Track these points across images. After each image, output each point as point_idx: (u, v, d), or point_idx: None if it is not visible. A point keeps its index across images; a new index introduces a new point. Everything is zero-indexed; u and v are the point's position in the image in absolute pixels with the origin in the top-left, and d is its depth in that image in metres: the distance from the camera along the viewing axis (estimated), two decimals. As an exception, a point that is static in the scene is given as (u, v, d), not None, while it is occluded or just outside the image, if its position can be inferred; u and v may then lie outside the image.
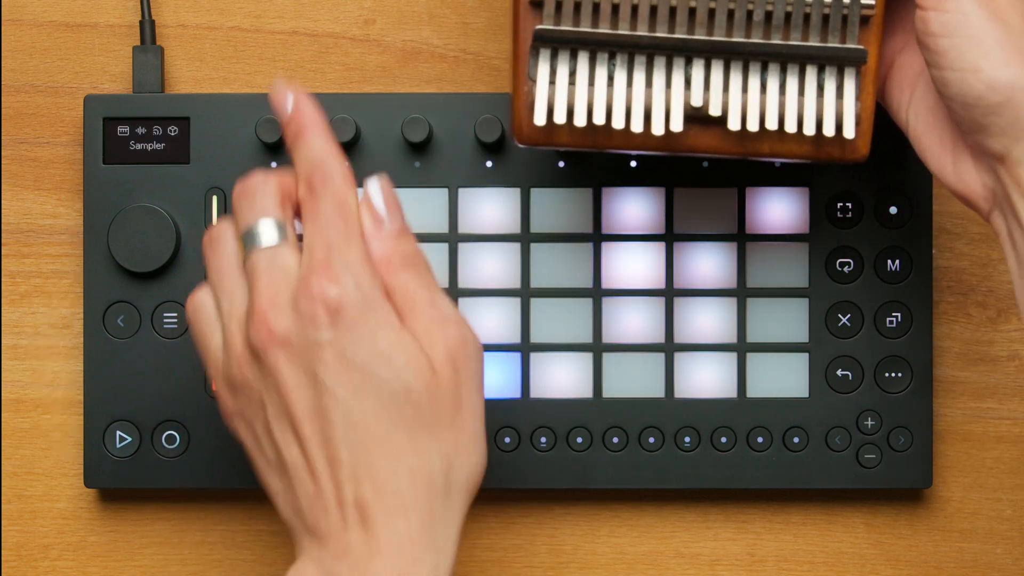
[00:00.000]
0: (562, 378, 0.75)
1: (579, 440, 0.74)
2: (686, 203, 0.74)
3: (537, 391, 0.75)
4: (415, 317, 0.61)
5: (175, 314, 0.74)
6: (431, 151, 0.74)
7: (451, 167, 0.74)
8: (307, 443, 0.59)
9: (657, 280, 0.75)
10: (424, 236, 0.74)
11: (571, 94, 0.65)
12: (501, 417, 0.74)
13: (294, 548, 0.62)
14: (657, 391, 0.75)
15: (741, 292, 0.74)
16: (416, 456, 0.60)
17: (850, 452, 0.74)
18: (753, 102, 0.64)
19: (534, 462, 0.74)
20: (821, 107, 0.65)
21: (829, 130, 0.65)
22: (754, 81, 0.65)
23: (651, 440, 0.74)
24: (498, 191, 0.74)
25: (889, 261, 0.74)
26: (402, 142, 0.74)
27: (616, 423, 0.74)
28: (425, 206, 0.74)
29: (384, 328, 0.59)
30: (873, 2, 0.64)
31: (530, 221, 0.75)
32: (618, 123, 0.64)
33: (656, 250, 0.75)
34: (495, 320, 0.74)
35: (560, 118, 0.64)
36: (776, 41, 0.64)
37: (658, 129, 0.65)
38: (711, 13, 0.64)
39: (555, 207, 0.74)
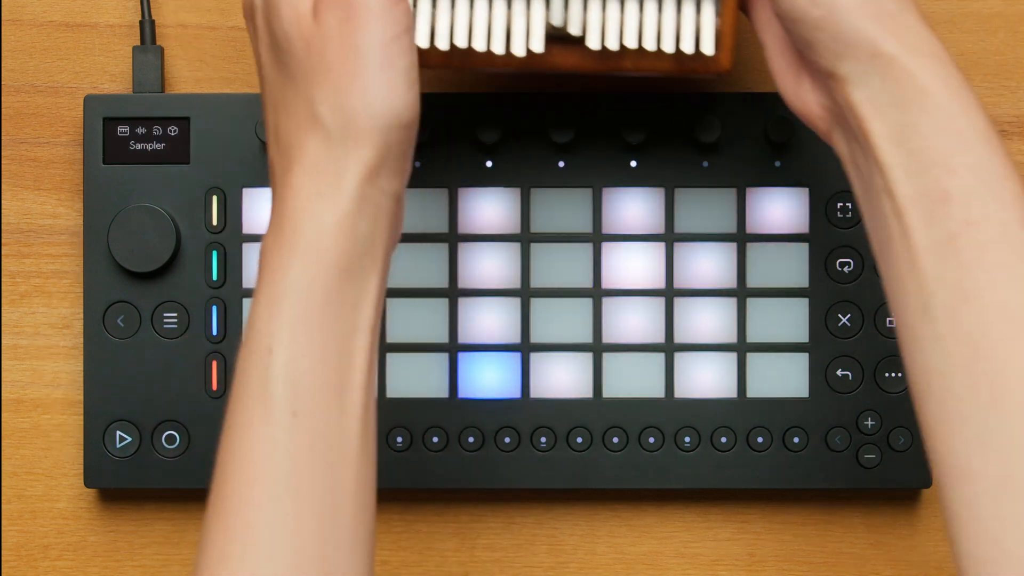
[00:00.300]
0: (562, 378, 0.75)
1: (579, 440, 0.74)
2: (686, 203, 0.74)
3: (537, 391, 0.75)
4: None
5: (175, 314, 0.74)
6: (431, 151, 0.74)
7: (451, 167, 0.74)
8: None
9: (657, 280, 0.75)
10: (424, 236, 0.74)
11: (434, 17, 0.65)
12: (501, 417, 0.74)
13: None
14: (657, 391, 0.75)
15: (741, 292, 0.74)
16: (301, 102, 0.59)
17: (850, 452, 0.74)
18: (612, 19, 0.65)
19: (534, 462, 0.74)
20: (680, 22, 0.65)
21: (688, 46, 0.65)
22: None
23: (651, 440, 0.74)
24: (498, 191, 0.74)
25: (889, 261, 0.74)
26: (402, 142, 0.74)
27: (616, 423, 0.74)
28: (425, 206, 0.74)
29: None
30: None
31: (530, 221, 0.75)
32: (479, 45, 0.65)
33: (656, 250, 0.75)
34: (495, 320, 0.74)
35: (423, 41, 0.64)
36: None
37: (519, 50, 0.65)
38: None
39: (555, 207, 0.74)
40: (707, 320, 0.74)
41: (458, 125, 0.74)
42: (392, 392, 0.75)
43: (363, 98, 0.58)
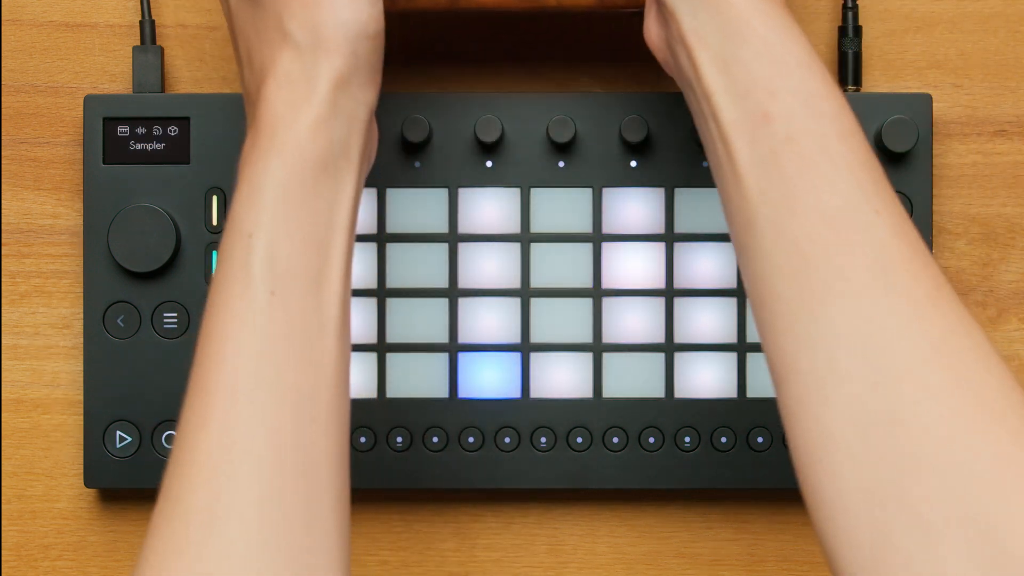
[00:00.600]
0: (562, 378, 0.75)
1: (579, 440, 0.74)
2: (686, 203, 0.74)
3: (537, 391, 0.75)
4: None
5: (175, 314, 0.74)
6: (431, 151, 0.74)
7: (451, 167, 0.74)
8: None
9: (657, 280, 0.75)
10: (424, 236, 0.74)
11: None
12: (501, 417, 0.74)
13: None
14: (657, 391, 0.75)
15: (741, 292, 0.74)
16: (270, 23, 0.62)
17: (850, 452, 0.74)
18: None
19: (534, 462, 0.74)
20: None
21: None
22: None
23: (651, 440, 0.74)
24: (498, 191, 0.74)
25: (889, 261, 0.74)
26: (402, 142, 0.74)
27: (616, 423, 0.74)
28: (425, 206, 0.74)
29: None
30: None
31: (530, 221, 0.75)
32: None
33: (656, 250, 0.75)
34: (495, 320, 0.74)
35: None
36: None
37: None
38: None
39: (555, 207, 0.74)
40: (707, 320, 0.74)
41: (458, 125, 0.74)
42: (392, 392, 0.75)
43: (330, 11, 0.60)
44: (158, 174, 0.74)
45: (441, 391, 0.75)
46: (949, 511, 0.53)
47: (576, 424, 0.74)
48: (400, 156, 0.74)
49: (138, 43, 0.76)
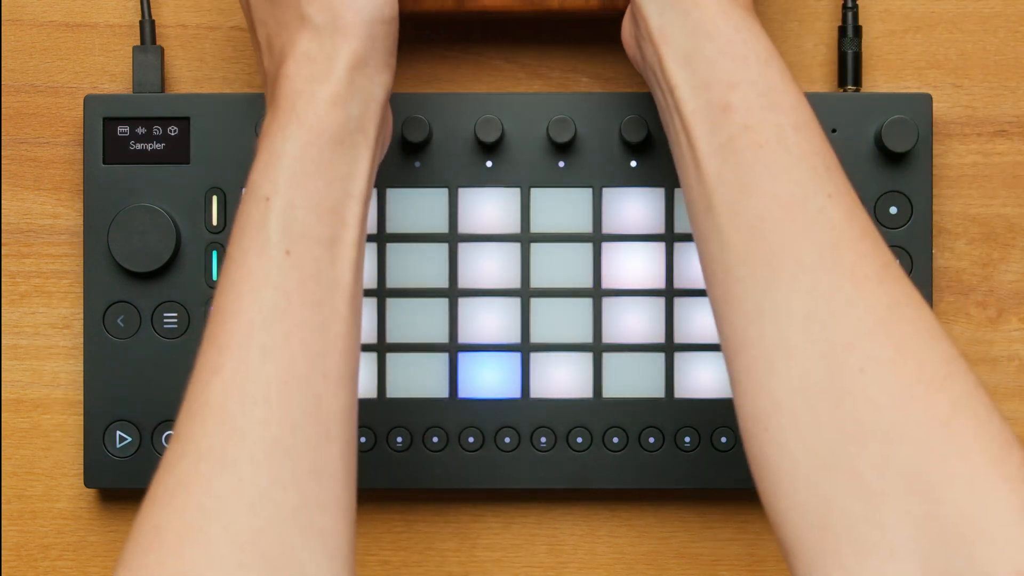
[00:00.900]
0: (562, 378, 0.75)
1: (579, 440, 0.74)
2: (686, 203, 0.74)
3: (537, 391, 0.75)
4: None
5: (175, 314, 0.74)
6: (431, 151, 0.74)
7: (451, 167, 0.74)
8: None
9: (657, 280, 0.75)
10: (424, 236, 0.74)
11: None
12: (501, 417, 0.74)
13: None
14: (657, 391, 0.75)
15: (741, 292, 0.74)
16: (288, 9, 0.64)
17: (850, 452, 0.74)
18: None
19: (534, 462, 0.74)
20: None
21: None
22: None
23: (651, 440, 0.74)
24: (498, 191, 0.74)
25: (889, 261, 0.74)
26: (402, 142, 0.74)
27: (616, 423, 0.74)
28: (425, 206, 0.74)
29: None
30: None
31: (530, 221, 0.75)
32: None
33: (656, 250, 0.75)
34: (495, 320, 0.74)
35: None
36: None
37: None
38: None
39: (555, 207, 0.74)
40: (707, 320, 0.74)
41: (458, 125, 0.74)
42: (392, 392, 0.75)
43: None
44: (158, 174, 0.74)
45: (441, 391, 0.75)
46: (891, 476, 0.55)
47: (576, 424, 0.74)
48: (400, 156, 0.74)
49: (138, 43, 0.76)
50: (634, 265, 0.75)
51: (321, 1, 0.62)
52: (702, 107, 0.61)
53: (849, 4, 0.76)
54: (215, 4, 0.77)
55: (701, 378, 0.74)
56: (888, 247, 0.59)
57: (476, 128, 0.74)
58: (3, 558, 0.77)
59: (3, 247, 0.77)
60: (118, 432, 0.74)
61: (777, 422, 0.58)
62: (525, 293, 0.75)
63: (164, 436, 0.74)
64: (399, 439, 0.74)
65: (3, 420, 0.77)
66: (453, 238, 0.74)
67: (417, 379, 0.75)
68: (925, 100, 0.74)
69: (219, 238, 0.74)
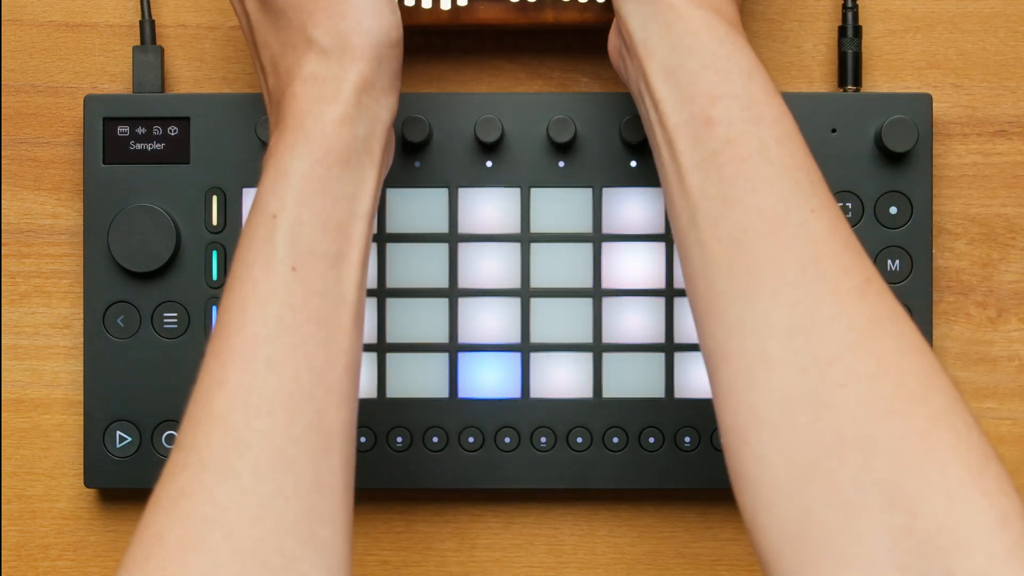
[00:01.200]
0: (562, 378, 0.75)
1: (579, 440, 0.74)
2: (686, 203, 0.74)
3: (537, 391, 0.75)
4: None
5: (175, 314, 0.74)
6: (431, 151, 0.74)
7: (451, 167, 0.74)
8: None
9: (657, 280, 0.75)
10: (424, 236, 0.74)
11: None
12: (501, 417, 0.74)
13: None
14: (657, 391, 0.75)
15: (741, 292, 0.74)
16: (294, 32, 0.64)
17: (850, 452, 0.74)
18: None
19: (534, 462, 0.74)
20: None
21: None
22: None
23: (651, 440, 0.74)
24: (498, 191, 0.74)
25: (889, 261, 0.74)
26: (402, 142, 0.74)
27: (616, 423, 0.74)
28: (425, 206, 0.74)
29: None
30: None
31: (530, 221, 0.75)
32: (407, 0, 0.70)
33: (656, 250, 0.75)
34: (495, 320, 0.74)
35: None
36: None
37: (444, 3, 0.71)
38: None
39: (555, 207, 0.74)
40: (707, 320, 0.74)
41: (458, 125, 0.74)
42: (392, 392, 0.75)
43: (355, 19, 0.63)
44: (158, 174, 0.74)
45: (441, 391, 0.75)
46: (869, 488, 0.55)
47: (576, 424, 0.74)
48: (400, 156, 0.74)
49: (138, 43, 0.76)
50: (634, 265, 0.75)
51: (328, 24, 0.63)
52: (685, 121, 0.62)
53: (849, 4, 0.76)
54: (215, 4, 0.77)
55: (701, 378, 0.74)
56: (871, 261, 0.60)
57: (476, 128, 0.74)
58: (3, 558, 0.77)
59: (3, 247, 0.77)
60: (118, 432, 0.74)
61: (757, 434, 0.58)
62: (525, 293, 0.75)
63: (164, 436, 0.74)
64: (399, 439, 0.74)
65: (3, 420, 0.77)
66: (453, 238, 0.74)
67: (417, 379, 0.75)
68: (925, 100, 0.74)
69: (219, 238, 0.74)
